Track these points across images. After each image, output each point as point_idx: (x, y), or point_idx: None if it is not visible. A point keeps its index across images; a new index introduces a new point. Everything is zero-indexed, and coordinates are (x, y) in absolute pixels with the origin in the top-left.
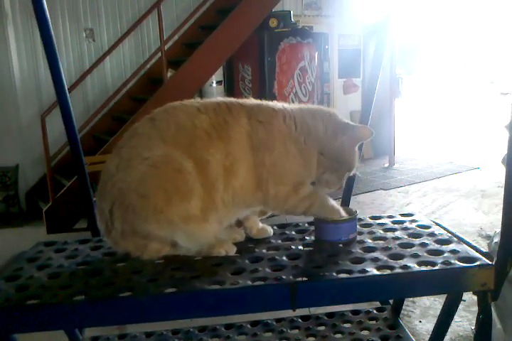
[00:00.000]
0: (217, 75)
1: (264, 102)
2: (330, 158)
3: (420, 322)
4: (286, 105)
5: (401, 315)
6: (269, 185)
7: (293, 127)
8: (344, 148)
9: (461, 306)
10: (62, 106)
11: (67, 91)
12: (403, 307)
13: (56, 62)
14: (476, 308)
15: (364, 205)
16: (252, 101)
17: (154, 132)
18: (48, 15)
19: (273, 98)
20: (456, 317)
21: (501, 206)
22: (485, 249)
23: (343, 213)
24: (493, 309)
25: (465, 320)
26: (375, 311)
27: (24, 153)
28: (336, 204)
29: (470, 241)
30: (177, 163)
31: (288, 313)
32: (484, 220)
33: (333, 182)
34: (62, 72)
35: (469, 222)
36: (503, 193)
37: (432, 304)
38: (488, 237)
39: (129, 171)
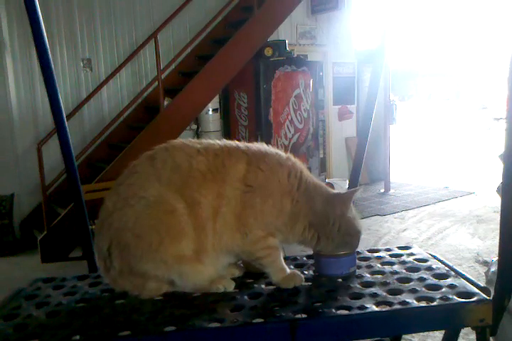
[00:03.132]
0: (214, 103)
1: (273, 151)
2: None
3: None
4: (294, 160)
5: None
6: (252, 228)
7: (295, 186)
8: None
9: (460, 334)
10: (60, 134)
11: (65, 120)
12: (402, 335)
13: (55, 91)
14: (473, 336)
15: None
16: (259, 147)
17: (151, 171)
18: (48, 45)
19: (269, 125)
20: None
21: (497, 231)
22: (482, 277)
23: (287, 275)
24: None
25: None
26: None
27: (20, 181)
28: (287, 268)
29: (467, 275)
30: (169, 204)
31: None
32: (481, 246)
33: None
34: (60, 100)
35: (466, 247)
36: (498, 218)
37: (431, 332)
38: (485, 263)
39: (126, 210)
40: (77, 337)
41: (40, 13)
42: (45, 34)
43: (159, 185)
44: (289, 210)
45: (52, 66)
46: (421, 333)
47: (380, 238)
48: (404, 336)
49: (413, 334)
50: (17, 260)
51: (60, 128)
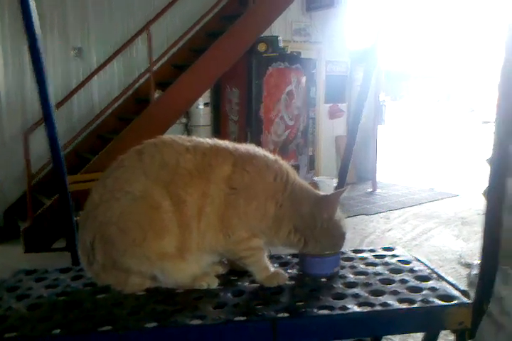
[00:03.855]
0: (205, 97)
1: (261, 153)
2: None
3: None
4: (280, 163)
5: None
6: (235, 229)
7: (281, 190)
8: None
9: (441, 334)
10: (48, 124)
11: (53, 109)
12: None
13: (44, 79)
14: (453, 337)
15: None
16: (248, 149)
17: (139, 166)
18: (39, 33)
19: (259, 121)
20: None
21: (481, 234)
22: (464, 279)
23: (271, 273)
24: None
25: None
26: None
27: (5, 170)
28: (270, 266)
29: (449, 278)
30: (155, 200)
31: None
32: (464, 248)
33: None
34: (49, 89)
35: (449, 249)
36: (482, 221)
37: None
38: (468, 265)
39: (111, 204)
40: (57, 330)
41: (31, 1)
42: (36, 21)
43: (146, 181)
44: (273, 214)
45: (43, 54)
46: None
47: (365, 237)
48: (385, 336)
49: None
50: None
51: (47, 118)
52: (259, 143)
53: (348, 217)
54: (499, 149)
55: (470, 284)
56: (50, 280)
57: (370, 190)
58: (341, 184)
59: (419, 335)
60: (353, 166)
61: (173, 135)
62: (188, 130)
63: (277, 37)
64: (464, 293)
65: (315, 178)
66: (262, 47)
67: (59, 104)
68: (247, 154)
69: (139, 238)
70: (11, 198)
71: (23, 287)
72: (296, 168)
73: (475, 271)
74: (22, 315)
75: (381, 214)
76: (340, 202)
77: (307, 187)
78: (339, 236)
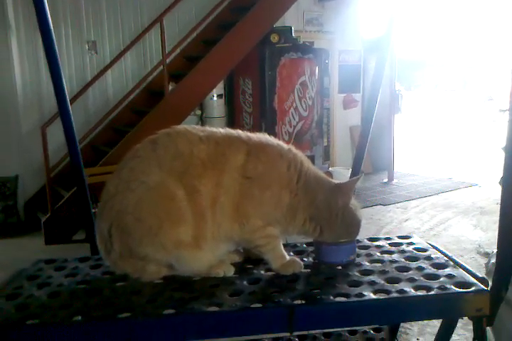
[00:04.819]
0: (218, 89)
1: (274, 142)
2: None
3: (418, 340)
4: (294, 152)
5: (398, 333)
6: (250, 218)
7: (295, 179)
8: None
9: (459, 324)
10: (64, 118)
11: (68, 103)
12: (401, 324)
13: (58, 74)
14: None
15: (363, 221)
16: (261, 138)
17: (153, 157)
18: (52, 27)
19: (273, 112)
20: (454, 336)
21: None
22: (483, 268)
23: (286, 261)
24: (490, 331)
25: (463, 338)
26: (372, 331)
27: (24, 163)
28: (286, 254)
29: (466, 265)
30: (169, 190)
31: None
32: (483, 237)
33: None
34: (64, 83)
35: (468, 238)
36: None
37: (430, 321)
38: (487, 254)
39: (127, 193)
40: (78, 317)
41: None
42: (49, 16)
43: (160, 171)
44: (288, 203)
45: (56, 48)
46: (420, 323)
47: (382, 227)
48: (403, 325)
49: (412, 324)
50: (21, 241)
51: (63, 111)
52: (273, 134)
53: (365, 207)
54: None
55: (488, 273)
56: (69, 269)
57: (386, 180)
58: (356, 174)
59: (437, 324)
60: (369, 156)
61: (187, 125)
62: (202, 122)
63: (290, 27)
64: (482, 280)
65: (330, 169)
66: (274, 37)
67: (74, 98)
68: (261, 143)
69: (154, 226)
70: (30, 191)
71: (43, 276)
72: (311, 158)
73: (493, 260)
74: (43, 303)
75: (398, 204)
76: (356, 192)
77: (321, 175)
78: (355, 224)
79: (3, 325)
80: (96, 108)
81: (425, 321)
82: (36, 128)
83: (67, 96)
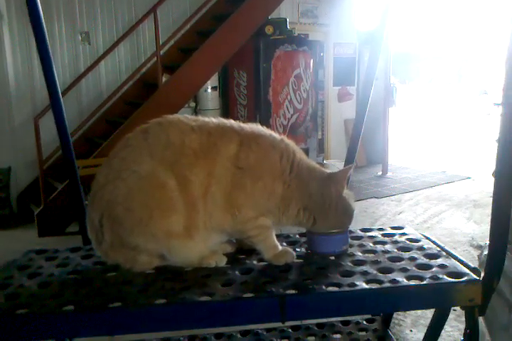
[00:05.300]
0: (213, 81)
1: (267, 133)
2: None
3: (411, 331)
4: (287, 142)
5: (392, 324)
6: (242, 208)
7: (288, 169)
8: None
9: (452, 316)
10: (55, 110)
11: (60, 95)
12: (394, 316)
13: (50, 65)
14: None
15: (357, 213)
16: (253, 128)
17: (144, 146)
18: (43, 19)
19: (268, 105)
20: (446, 327)
21: None
22: (476, 260)
23: (279, 251)
24: (483, 322)
25: (456, 329)
26: (364, 322)
27: (16, 155)
28: (278, 245)
29: (459, 256)
30: (161, 180)
31: (278, 323)
32: (476, 230)
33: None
34: (55, 74)
35: (461, 231)
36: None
37: (423, 313)
38: (480, 247)
39: (117, 183)
40: (69, 307)
41: None
42: (40, 7)
43: (151, 161)
44: (281, 193)
45: (47, 39)
46: (413, 314)
47: (376, 220)
48: (396, 316)
49: (405, 315)
50: (14, 233)
51: (54, 103)
52: (267, 127)
53: (359, 200)
54: (507, 129)
55: (481, 264)
56: (60, 259)
57: (380, 173)
58: (349, 165)
59: (431, 316)
60: (364, 149)
61: (180, 115)
62: (196, 114)
63: (285, 19)
64: (474, 270)
65: (324, 161)
66: (269, 29)
67: (67, 89)
68: (253, 133)
69: (145, 216)
70: (23, 183)
71: (34, 266)
72: (306, 151)
73: (486, 252)
74: (33, 293)
75: (392, 197)
76: (350, 185)
77: (314, 165)
78: (348, 214)
79: None
80: (89, 99)
81: (419, 312)
82: (29, 120)
83: (59, 88)
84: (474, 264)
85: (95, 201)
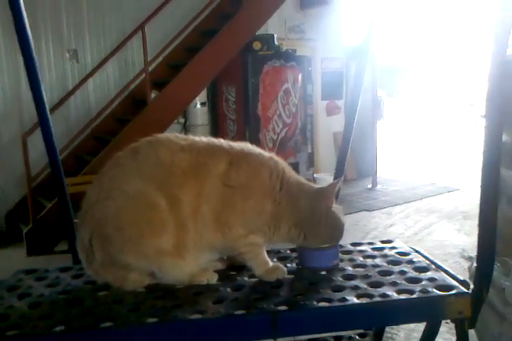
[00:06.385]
0: (201, 97)
1: (256, 151)
2: (310, 224)
3: None
4: (276, 160)
5: (385, 338)
6: (232, 226)
7: (277, 187)
8: (325, 218)
9: (444, 328)
10: (43, 127)
11: (48, 112)
12: (387, 330)
13: (37, 82)
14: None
15: (348, 226)
16: (242, 147)
17: (134, 165)
18: (30, 35)
19: (257, 119)
20: (439, 340)
21: None
22: (467, 272)
23: (270, 268)
24: (474, 334)
25: None
26: (357, 337)
27: (4, 173)
28: (269, 261)
29: (448, 269)
30: (150, 199)
31: (271, 340)
32: (466, 241)
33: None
34: (43, 92)
35: (451, 243)
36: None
37: (416, 326)
38: (470, 258)
39: (108, 202)
40: (60, 327)
41: (21, 2)
42: (27, 24)
43: (141, 180)
44: (271, 211)
45: (35, 57)
46: (406, 328)
47: (367, 233)
48: (389, 330)
49: (399, 329)
50: (2, 253)
51: (42, 121)
52: (257, 141)
53: (350, 213)
54: (490, 140)
55: (471, 276)
56: (50, 279)
57: (370, 186)
58: (338, 178)
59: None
60: (354, 162)
61: (170, 133)
62: (186, 129)
63: (272, 35)
64: (463, 282)
65: (315, 175)
66: (257, 45)
67: (56, 106)
68: (242, 152)
69: (136, 235)
70: (11, 202)
71: (24, 286)
72: (296, 165)
73: (476, 264)
74: (23, 313)
75: (383, 210)
76: (341, 198)
77: (303, 181)
78: (338, 228)
79: None
80: (78, 117)
81: (412, 326)
82: (17, 137)
83: (47, 105)
84: (465, 276)
85: (85, 220)
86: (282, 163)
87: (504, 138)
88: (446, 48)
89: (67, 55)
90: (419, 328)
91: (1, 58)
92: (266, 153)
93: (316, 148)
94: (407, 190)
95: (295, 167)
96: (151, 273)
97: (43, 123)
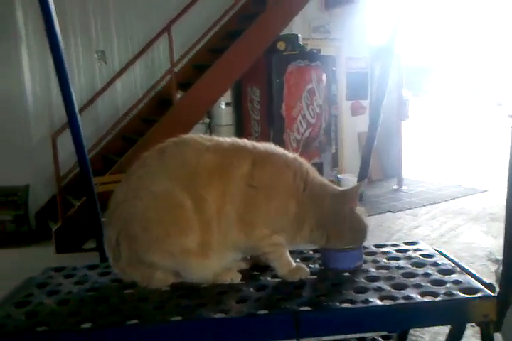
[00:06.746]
0: (226, 97)
1: (280, 152)
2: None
3: None
4: (299, 161)
5: None
6: (256, 227)
7: (301, 188)
8: (349, 218)
9: (470, 332)
10: (72, 127)
11: (77, 112)
12: (412, 332)
13: (67, 83)
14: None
15: (373, 228)
16: (266, 147)
17: (161, 165)
18: (60, 38)
19: (281, 120)
20: None
21: None
22: (493, 275)
23: (293, 268)
24: (500, 337)
25: None
26: (380, 339)
27: (35, 172)
28: (292, 261)
29: (473, 271)
30: (176, 199)
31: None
32: (494, 244)
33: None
34: (72, 92)
35: (479, 245)
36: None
37: (441, 329)
38: (498, 261)
39: (135, 202)
40: (87, 324)
41: (52, 5)
42: (57, 27)
43: (167, 180)
44: (295, 212)
45: (64, 58)
46: (432, 331)
47: (392, 235)
48: (414, 333)
49: (424, 332)
50: (32, 250)
51: (72, 121)
52: (281, 142)
53: (375, 214)
54: None
55: (497, 279)
56: (78, 277)
57: (395, 187)
58: (362, 180)
59: None
60: (379, 163)
61: (195, 134)
62: (210, 130)
63: (297, 35)
64: (488, 285)
65: (339, 176)
66: (281, 45)
67: (84, 107)
68: (266, 153)
69: (162, 234)
70: (41, 201)
71: (53, 283)
72: (320, 165)
73: (502, 267)
74: (52, 310)
75: (408, 211)
76: (366, 199)
77: (326, 183)
78: (361, 230)
79: (14, 332)
80: (105, 117)
81: (437, 329)
82: (47, 137)
83: (76, 106)
84: (492, 279)
85: (113, 219)
86: (306, 164)
87: None
88: (474, 47)
89: (96, 56)
90: (444, 331)
91: (33, 60)
92: (290, 154)
93: (340, 148)
94: (432, 191)
95: (319, 167)
96: (176, 272)
97: (72, 123)
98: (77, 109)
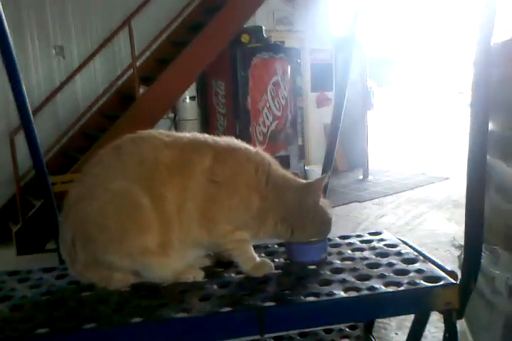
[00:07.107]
0: (191, 91)
1: (241, 146)
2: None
3: (396, 334)
4: (261, 154)
5: (377, 328)
6: (218, 223)
7: (263, 182)
8: (313, 211)
9: (436, 317)
10: (26, 127)
11: (29, 109)
12: (380, 320)
13: (18, 81)
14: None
15: (339, 218)
16: (227, 142)
17: (117, 163)
18: (7, 31)
19: (247, 113)
20: (431, 328)
21: None
22: (457, 261)
23: (257, 263)
24: (465, 323)
25: (440, 330)
26: (347, 329)
27: None
28: (256, 256)
29: (436, 259)
30: (134, 197)
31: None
32: (457, 230)
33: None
34: (24, 89)
35: (442, 232)
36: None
37: (408, 316)
38: (461, 247)
39: (90, 201)
40: (42, 330)
41: None
42: (4, 20)
43: (124, 178)
44: (257, 206)
45: (13, 52)
46: (398, 317)
47: (358, 224)
48: (381, 320)
49: (390, 318)
50: None
51: (24, 118)
52: (247, 135)
53: (341, 204)
54: (477, 128)
55: (461, 265)
56: (33, 280)
57: (361, 177)
58: (326, 172)
59: None
60: (344, 154)
61: (153, 130)
62: (175, 124)
63: (261, 27)
64: (451, 273)
65: (306, 168)
66: (245, 37)
67: (43, 104)
68: (227, 147)
69: (119, 234)
70: (0, 201)
71: (6, 288)
72: (287, 158)
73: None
74: (4, 317)
75: (374, 201)
76: (332, 190)
77: (290, 176)
78: (326, 223)
79: None
80: (66, 113)
81: (403, 316)
82: (4, 137)
83: (28, 103)
84: (456, 264)
85: (67, 220)
86: (268, 158)
87: (491, 126)
88: (435, 37)
89: (53, 51)
90: (410, 317)
91: None
92: (251, 148)
93: (306, 140)
94: (398, 181)
95: (286, 160)
96: (135, 272)
97: (24, 122)
98: (28, 105)
